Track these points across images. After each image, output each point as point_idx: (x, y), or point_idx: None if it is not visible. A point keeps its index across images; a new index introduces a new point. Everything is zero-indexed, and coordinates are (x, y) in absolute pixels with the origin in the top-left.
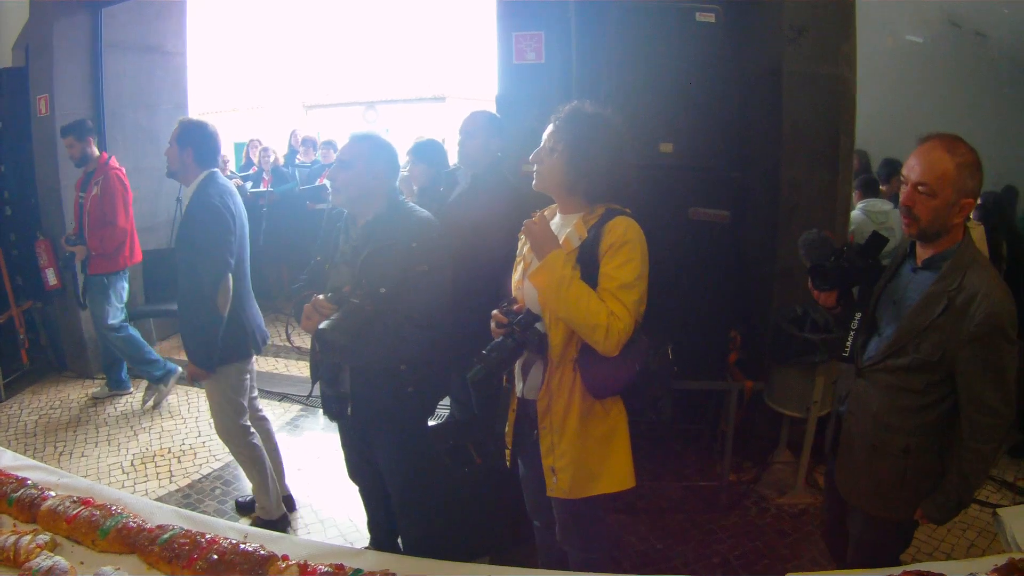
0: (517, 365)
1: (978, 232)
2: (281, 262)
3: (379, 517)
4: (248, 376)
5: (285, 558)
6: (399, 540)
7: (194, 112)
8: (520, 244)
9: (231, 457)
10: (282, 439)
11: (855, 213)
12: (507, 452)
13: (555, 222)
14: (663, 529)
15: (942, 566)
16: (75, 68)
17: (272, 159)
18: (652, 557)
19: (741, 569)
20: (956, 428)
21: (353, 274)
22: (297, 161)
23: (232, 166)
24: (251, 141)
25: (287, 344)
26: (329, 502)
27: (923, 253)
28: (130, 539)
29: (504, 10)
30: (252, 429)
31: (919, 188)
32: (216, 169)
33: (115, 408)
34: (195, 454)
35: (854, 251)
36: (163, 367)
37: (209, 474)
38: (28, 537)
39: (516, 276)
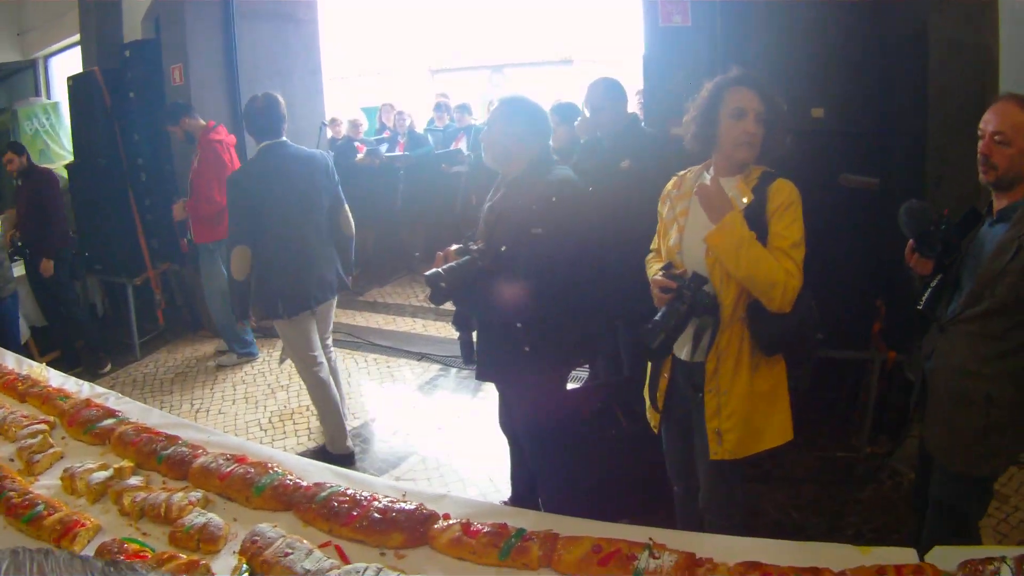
0: None
1: None
2: (418, 223)
3: (522, 471)
4: (302, 329)
5: (446, 516)
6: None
7: (326, 78)
8: (667, 207)
9: (371, 415)
10: (420, 398)
11: None
12: (656, 416)
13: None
14: (798, 499)
15: None
16: (208, 38)
17: (408, 123)
18: (786, 527)
19: (874, 543)
20: None
21: (484, 230)
22: (436, 124)
23: (365, 129)
24: (384, 105)
25: (425, 305)
26: (469, 460)
27: (998, 204)
28: (286, 497)
29: None
30: (323, 375)
31: (996, 138)
32: (277, 140)
33: (252, 366)
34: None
35: (952, 224)
36: (247, 347)
37: (349, 432)
38: (180, 494)
39: (671, 240)
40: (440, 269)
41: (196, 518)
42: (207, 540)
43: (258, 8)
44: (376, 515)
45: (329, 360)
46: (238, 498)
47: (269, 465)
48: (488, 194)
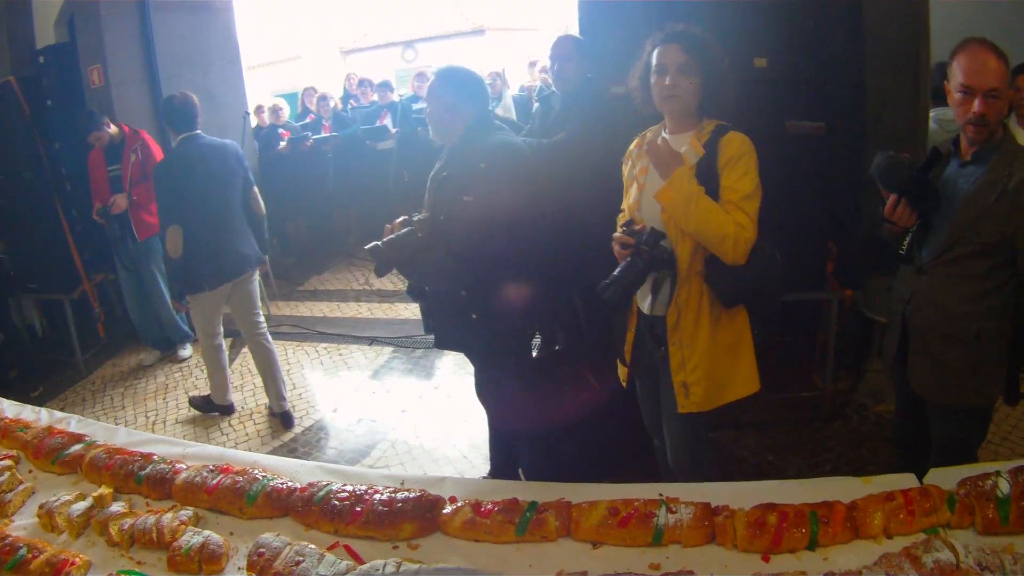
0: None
1: None
2: (351, 205)
3: (499, 442)
4: (211, 304)
5: (452, 500)
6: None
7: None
8: (628, 167)
9: (332, 405)
10: (378, 383)
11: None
12: (624, 370)
13: (663, 138)
14: (772, 442)
15: None
16: (125, 35)
17: (332, 105)
18: (766, 470)
19: (854, 475)
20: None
21: (427, 200)
22: (352, 105)
23: (286, 115)
24: (306, 89)
25: (367, 288)
26: (440, 440)
27: (969, 149)
28: (281, 502)
29: None
30: (220, 343)
31: (992, 95)
32: (193, 132)
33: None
34: (294, 407)
35: (917, 167)
36: (184, 337)
37: (311, 426)
38: (169, 515)
39: (631, 198)
40: (380, 241)
41: (192, 538)
42: (209, 560)
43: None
44: (382, 508)
45: (261, 336)
46: (231, 510)
47: (255, 471)
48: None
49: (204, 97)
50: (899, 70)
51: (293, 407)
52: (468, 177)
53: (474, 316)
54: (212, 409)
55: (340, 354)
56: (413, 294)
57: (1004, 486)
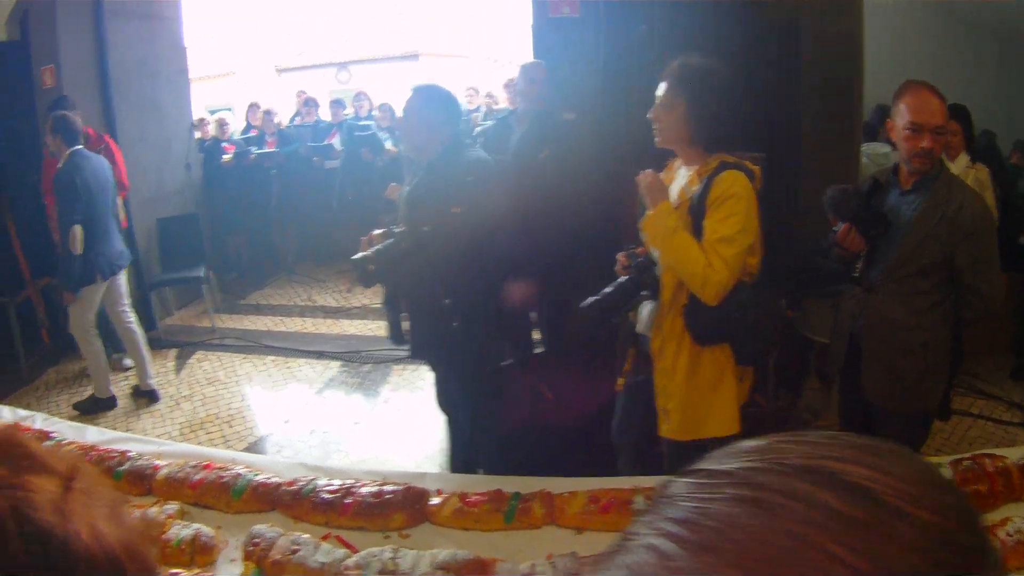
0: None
1: (984, 173)
2: (289, 223)
3: (459, 449)
4: (94, 296)
5: (439, 492)
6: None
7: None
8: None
9: (285, 418)
10: (328, 396)
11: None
12: (620, 381)
13: (681, 173)
14: None
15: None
16: (79, 38)
17: (276, 120)
18: None
19: None
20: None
21: (405, 212)
22: (297, 122)
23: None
24: (250, 105)
25: (311, 303)
26: (393, 450)
27: (910, 179)
28: (269, 495)
29: None
30: (94, 331)
31: (938, 131)
32: (79, 146)
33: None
34: (244, 418)
35: (861, 196)
36: None
37: (265, 436)
38: (155, 509)
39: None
40: (367, 252)
41: (182, 531)
42: (201, 551)
43: (126, 7)
44: (371, 499)
45: (127, 322)
46: (217, 504)
47: (235, 468)
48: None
49: (151, 107)
50: (834, 107)
51: (244, 417)
52: (454, 189)
53: (455, 324)
54: (98, 408)
55: (288, 367)
56: (390, 305)
57: (947, 472)
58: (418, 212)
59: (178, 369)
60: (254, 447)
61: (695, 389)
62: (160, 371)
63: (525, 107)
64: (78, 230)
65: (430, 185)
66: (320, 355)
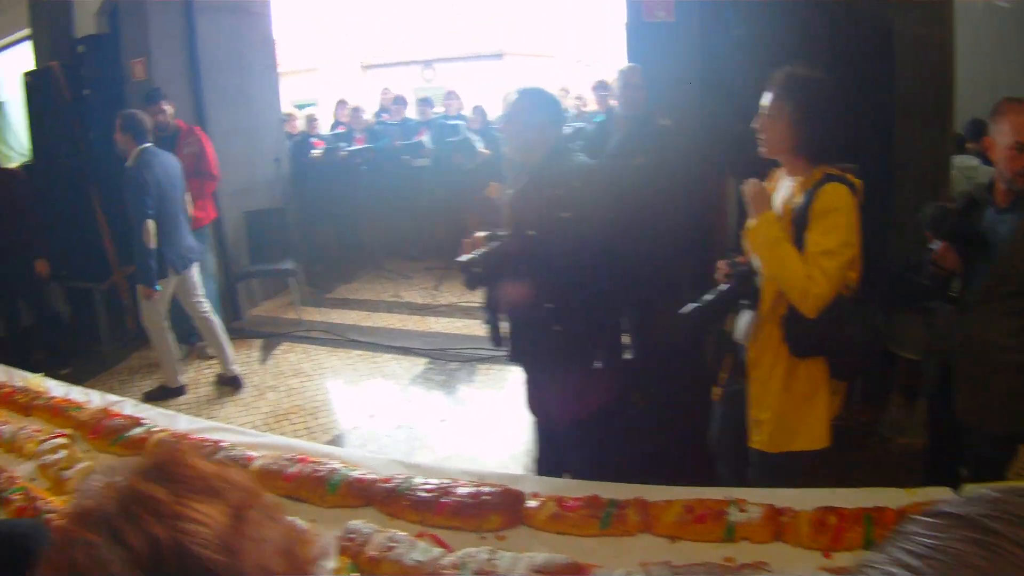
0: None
1: None
2: (379, 219)
3: (547, 454)
4: (164, 291)
5: (535, 495)
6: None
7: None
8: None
9: (370, 412)
10: (415, 392)
11: None
12: (719, 391)
13: (785, 183)
14: None
15: None
16: (170, 32)
17: (365, 118)
18: None
19: None
20: None
21: (510, 216)
22: (385, 119)
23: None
24: (339, 101)
25: (397, 299)
26: (479, 450)
27: (1007, 197)
28: (364, 491)
29: None
30: (166, 324)
31: None
32: (150, 144)
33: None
34: (328, 410)
35: (958, 214)
36: None
37: (350, 429)
38: None
39: (746, 227)
40: (474, 255)
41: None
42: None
43: (215, 1)
44: (468, 500)
45: (203, 312)
46: (311, 498)
47: (331, 463)
48: (510, 183)
49: (241, 100)
50: (926, 118)
51: (328, 410)
52: (561, 194)
53: (557, 328)
54: (168, 395)
55: (375, 362)
56: (490, 307)
57: None
58: (524, 216)
59: (263, 359)
60: (338, 440)
61: (789, 401)
62: (245, 361)
63: (623, 111)
64: (151, 225)
65: (536, 189)
66: (407, 351)
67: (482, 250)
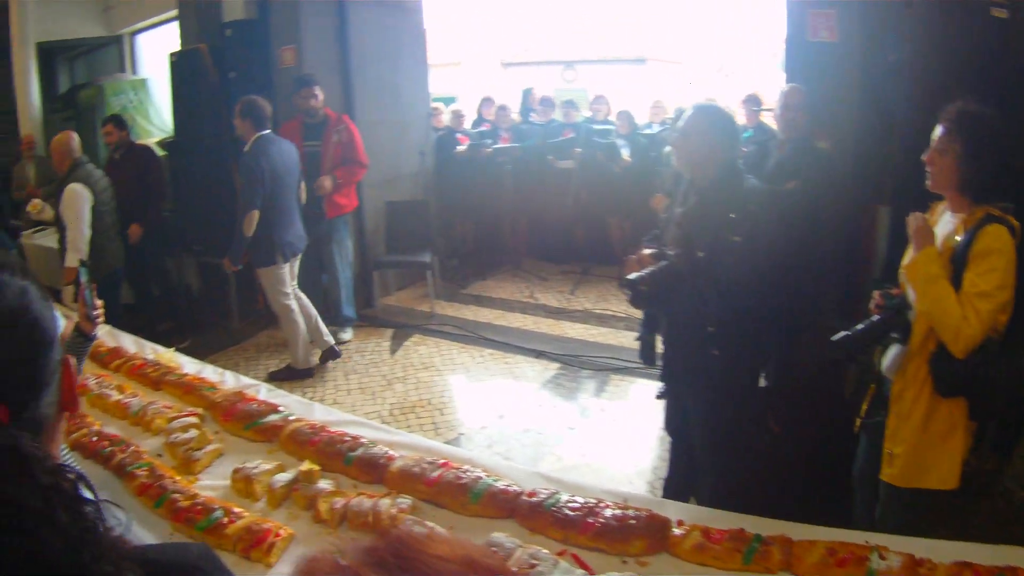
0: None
1: None
2: (521, 218)
3: (680, 474)
4: (283, 273)
5: (680, 523)
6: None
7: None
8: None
9: (499, 411)
10: (545, 397)
11: None
12: (858, 421)
13: (946, 218)
14: None
15: None
16: (321, 21)
17: (510, 116)
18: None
19: None
20: None
21: (679, 235)
22: (532, 119)
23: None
24: (484, 99)
25: (532, 301)
26: (606, 462)
27: None
28: (508, 503)
29: None
30: (293, 306)
31: None
32: (268, 131)
33: (362, 356)
34: (456, 407)
35: None
36: (347, 320)
37: (477, 428)
38: (387, 501)
39: (905, 260)
40: (643, 273)
41: (413, 527)
42: None
43: None
44: (613, 522)
45: (300, 297)
46: (452, 505)
47: (474, 471)
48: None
49: (391, 92)
50: None
51: (456, 407)
52: (734, 218)
53: (715, 352)
54: (295, 376)
55: (507, 363)
56: (648, 325)
57: None
58: (693, 236)
59: (393, 350)
60: (464, 438)
61: (926, 438)
62: (375, 349)
63: (783, 134)
64: (255, 215)
65: (707, 210)
66: (540, 354)
67: (651, 268)
